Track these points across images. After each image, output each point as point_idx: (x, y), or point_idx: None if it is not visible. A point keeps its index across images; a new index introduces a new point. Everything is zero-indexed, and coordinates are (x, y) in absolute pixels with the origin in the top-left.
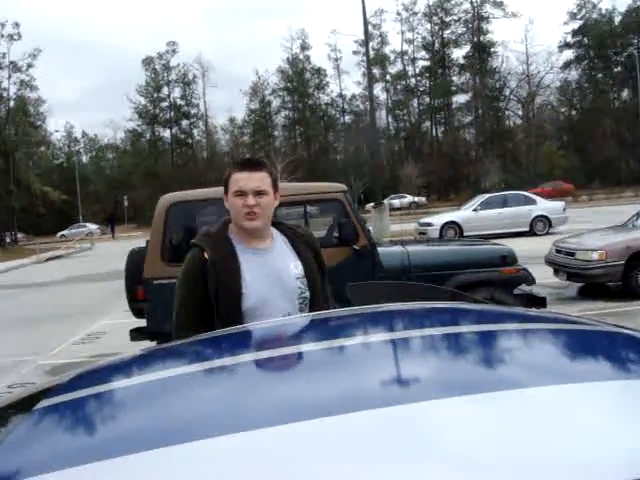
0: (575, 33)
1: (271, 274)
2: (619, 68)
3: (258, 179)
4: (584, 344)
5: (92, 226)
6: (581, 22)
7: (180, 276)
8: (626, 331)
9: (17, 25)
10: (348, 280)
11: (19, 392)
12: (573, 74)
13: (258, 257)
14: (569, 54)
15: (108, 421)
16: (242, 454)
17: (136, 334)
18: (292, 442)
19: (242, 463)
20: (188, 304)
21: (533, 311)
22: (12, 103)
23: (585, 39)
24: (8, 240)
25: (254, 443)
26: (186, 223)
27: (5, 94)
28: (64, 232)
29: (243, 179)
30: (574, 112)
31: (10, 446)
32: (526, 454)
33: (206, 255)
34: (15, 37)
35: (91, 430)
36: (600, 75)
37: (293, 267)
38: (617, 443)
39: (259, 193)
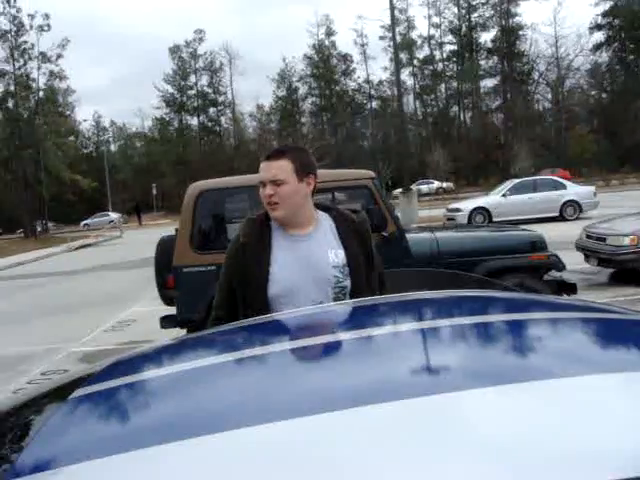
0: (606, 14)
1: (304, 261)
2: None
3: (275, 168)
4: (616, 333)
5: (115, 215)
6: (612, 3)
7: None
8: None
9: (47, 16)
10: None
11: (54, 381)
12: (604, 56)
13: (294, 244)
14: (599, 36)
15: (142, 411)
16: (273, 444)
17: (166, 322)
18: (322, 433)
19: (272, 453)
20: (222, 287)
21: (563, 299)
22: (41, 94)
23: (616, 20)
24: (39, 229)
25: (284, 434)
26: (215, 211)
27: (34, 85)
28: (87, 221)
29: (263, 169)
30: (604, 95)
31: (48, 435)
32: (558, 445)
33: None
34: (45, 28)
35: (125, 420)
36: (631, 57)
37: (332, 255)
38: None
39: (276, 183)
